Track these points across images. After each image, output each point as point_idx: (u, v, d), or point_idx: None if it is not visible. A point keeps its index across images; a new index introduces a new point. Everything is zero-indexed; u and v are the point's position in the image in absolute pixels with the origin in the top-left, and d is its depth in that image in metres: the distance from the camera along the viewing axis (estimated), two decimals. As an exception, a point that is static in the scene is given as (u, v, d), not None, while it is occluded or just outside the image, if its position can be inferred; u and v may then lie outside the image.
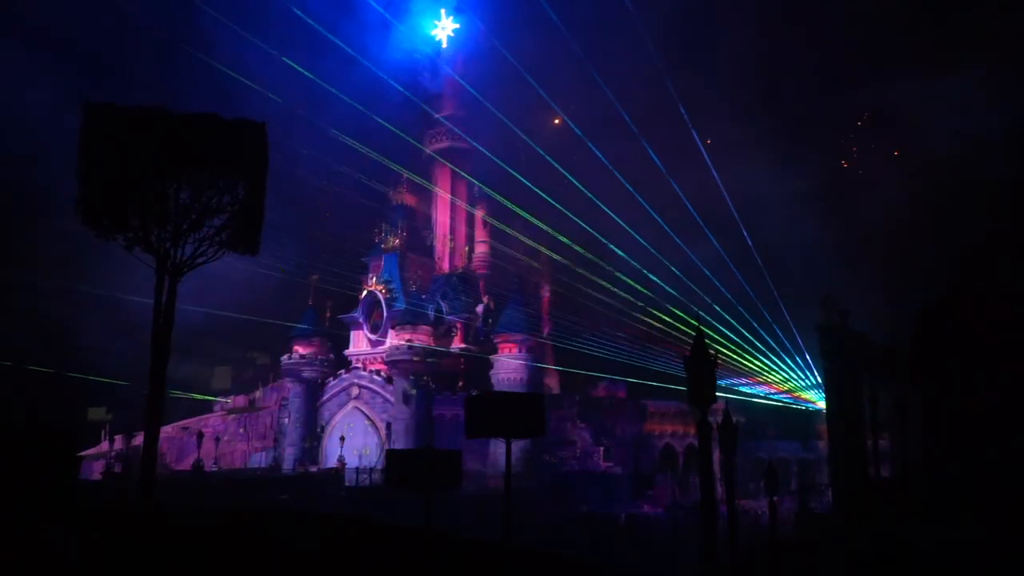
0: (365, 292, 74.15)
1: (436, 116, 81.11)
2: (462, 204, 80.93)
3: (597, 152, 73.57)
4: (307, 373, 70.04)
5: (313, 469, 63.21)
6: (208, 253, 18.95)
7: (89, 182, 17.89)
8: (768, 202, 79.94)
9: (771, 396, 76.53)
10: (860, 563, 18.58)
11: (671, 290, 72.53)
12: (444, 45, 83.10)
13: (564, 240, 77.45)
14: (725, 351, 69.31)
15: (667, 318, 69.47)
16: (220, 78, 73.66)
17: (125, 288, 64.59)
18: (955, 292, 25.32)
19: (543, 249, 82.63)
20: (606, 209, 73.35)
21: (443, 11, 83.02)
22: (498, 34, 78.93)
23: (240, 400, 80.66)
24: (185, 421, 74.23)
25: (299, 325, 73.61)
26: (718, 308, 71.26)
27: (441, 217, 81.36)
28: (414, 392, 64.32)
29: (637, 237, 75.37)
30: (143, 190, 18.12)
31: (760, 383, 75.66)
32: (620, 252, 76.03)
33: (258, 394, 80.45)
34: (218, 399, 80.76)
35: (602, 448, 65.82)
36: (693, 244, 78.43)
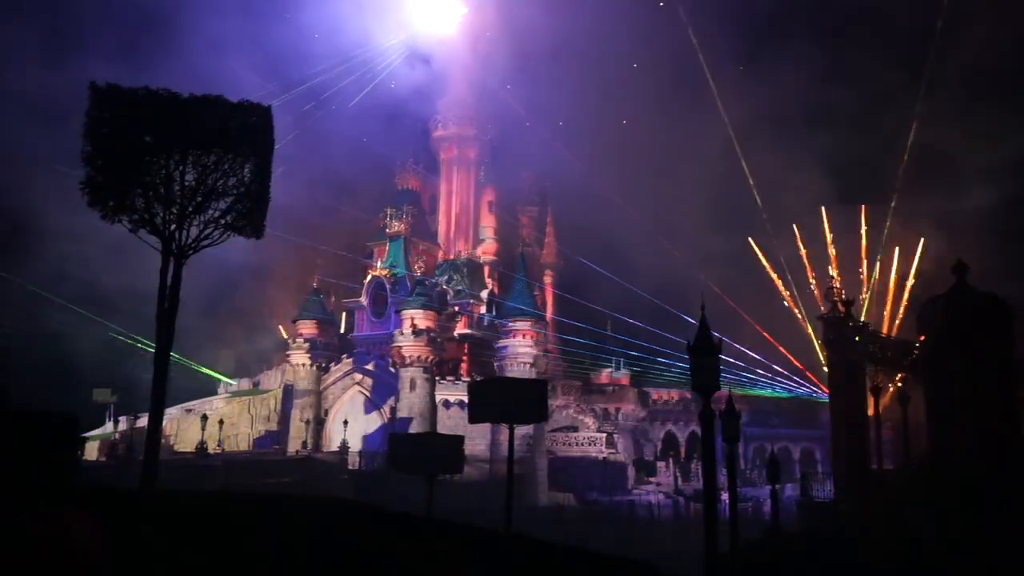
0: (370, 276, 74.14)
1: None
2: (468, 190, 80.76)
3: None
4: (311, 357, 70.05)
5: (316, 453, 63.37)
6: (213, 236, 18.95)
7: (94, 164, 17.88)
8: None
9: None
10: (861, 551, 18.62)
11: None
12: (453, 32, 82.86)
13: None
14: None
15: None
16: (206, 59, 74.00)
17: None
18: (959, 283, 25.25)
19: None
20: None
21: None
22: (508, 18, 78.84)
23: (244, 383, 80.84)
24: (189, 403, 74.39)
25: (304, 309, 73.71)
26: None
27: (446, 203, 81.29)
28: (418, 377, 64.32)
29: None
30: (148, 172, 18.11)
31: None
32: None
33: (262, 377, 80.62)
34: (222, 381, 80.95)
35: (604, 435, 65.91)
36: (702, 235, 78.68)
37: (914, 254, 79.31)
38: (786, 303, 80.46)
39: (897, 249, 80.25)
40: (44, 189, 67.47)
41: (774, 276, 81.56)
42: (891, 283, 79.84)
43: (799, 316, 79.33)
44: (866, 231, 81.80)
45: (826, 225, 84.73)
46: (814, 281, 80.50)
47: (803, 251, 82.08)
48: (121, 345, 72.91)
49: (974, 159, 75.00)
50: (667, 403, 72.68)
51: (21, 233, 71.45)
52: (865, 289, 79.96)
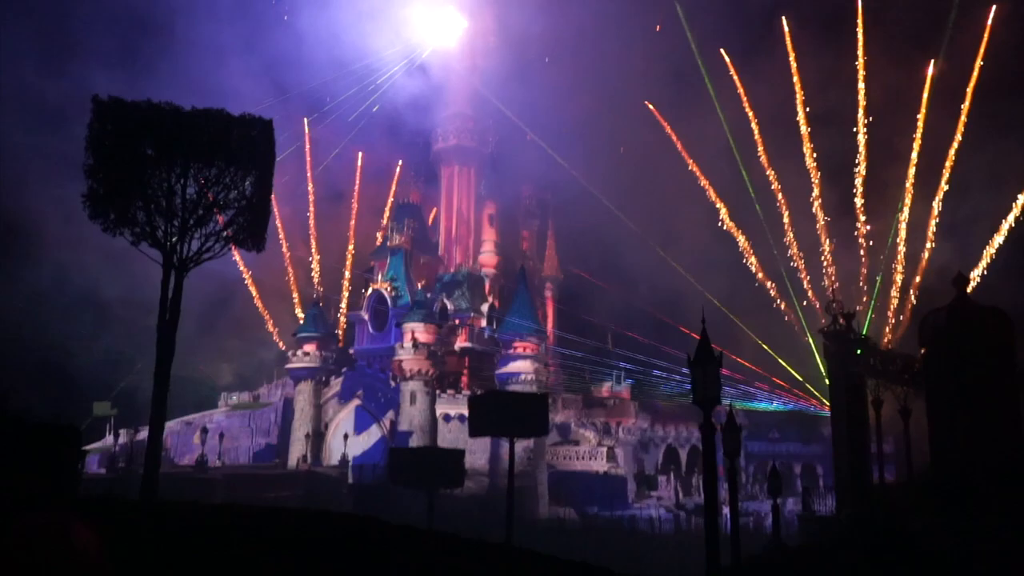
0: (371, 290, 74.14)
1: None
2: (468, 203, 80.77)
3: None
4: (312, 370, 70.00)
5: (316, 466, 63.24)
6: (214, 248, 18.98)
7: (96, 176, 17.92)
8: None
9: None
10: (863, 566, 18.54)
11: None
12: (453, 45, 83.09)
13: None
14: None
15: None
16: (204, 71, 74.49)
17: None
18: (960, 296, 25.24)
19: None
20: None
21: (452, 8, 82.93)
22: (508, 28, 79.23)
23: (244, 396, 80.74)
24: (189, 416, 74.28)
25: (304, 323, 73.76)
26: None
27: (447, 215, 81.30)
28: (418, 390, 64.25)
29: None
30: (150, 185, 18.15)
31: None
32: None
33: (262, 390, 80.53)
34: (222, 394, 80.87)
35: (605, 449, 65.76)
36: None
37: (918, 262, 79.01)
38: (785, 315, 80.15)
39: (901, 254, 79.86)
40: (43, 196, 67.72)
41: (769, 285, 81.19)
42: (894, 290, 79.53)
43: (796, 327, 79.11)
44: (866, 229, 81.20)
45: (788, 42, 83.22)
46: (810, 291, 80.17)
47: (798, 257, 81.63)
48: (120, 356, 72.85)
49: (978, 165, 74.71)
50: (668, 417, 72.52)
51: (20, 240, 71.54)
52: (864, 286, 79.46)
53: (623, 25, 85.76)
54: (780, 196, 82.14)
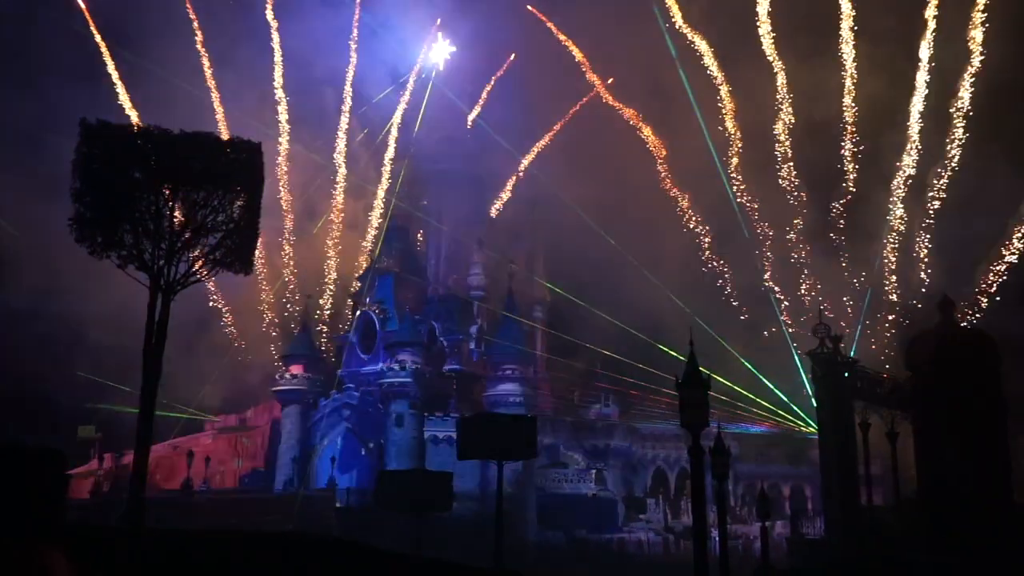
0: (359, 312, 74.02)
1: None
2: (457, 225, 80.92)
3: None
4: (299, 393, 69.74)
5: (303, 490, 62.87)
6: (202, 271, 18.95)
7: (83, 200, 17.89)
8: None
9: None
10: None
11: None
12: (440, 68, 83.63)
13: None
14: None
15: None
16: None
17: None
18: (945, 319, 25.44)
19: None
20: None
21: (439, 35, 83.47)
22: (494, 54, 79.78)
23: (231, 419, 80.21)
24: (175, 440, 73.76)
25: (292, 345, 73.54)
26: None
27: (436, 238, 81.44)
28: (406, 413, 64.06)
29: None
30: (138, 208, 18.12)
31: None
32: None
33: (249, 413, 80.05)
34: (209, 418, 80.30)
35: (594, 471, 65.63)
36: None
37: (907, 282, 78.90)
38: (768, 335, 79.90)
39: (889, 272, 79.69)
40: (18, 218, 67.39)
41: (744, 310, 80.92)
42: (882, 310, 79.45)
43: (782, 349, 78.92)
44: (851, 248, 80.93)
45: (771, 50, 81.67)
46: (785, 314, 79.90)
47: (773, 282, 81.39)
48: (100, 380, 72.07)
49: (970, 182, 74.58)
50: (657, 439, 72.46)
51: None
52: (850, 303, 79.12)
53: (610, 48, 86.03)
54: (759, 215, 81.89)
